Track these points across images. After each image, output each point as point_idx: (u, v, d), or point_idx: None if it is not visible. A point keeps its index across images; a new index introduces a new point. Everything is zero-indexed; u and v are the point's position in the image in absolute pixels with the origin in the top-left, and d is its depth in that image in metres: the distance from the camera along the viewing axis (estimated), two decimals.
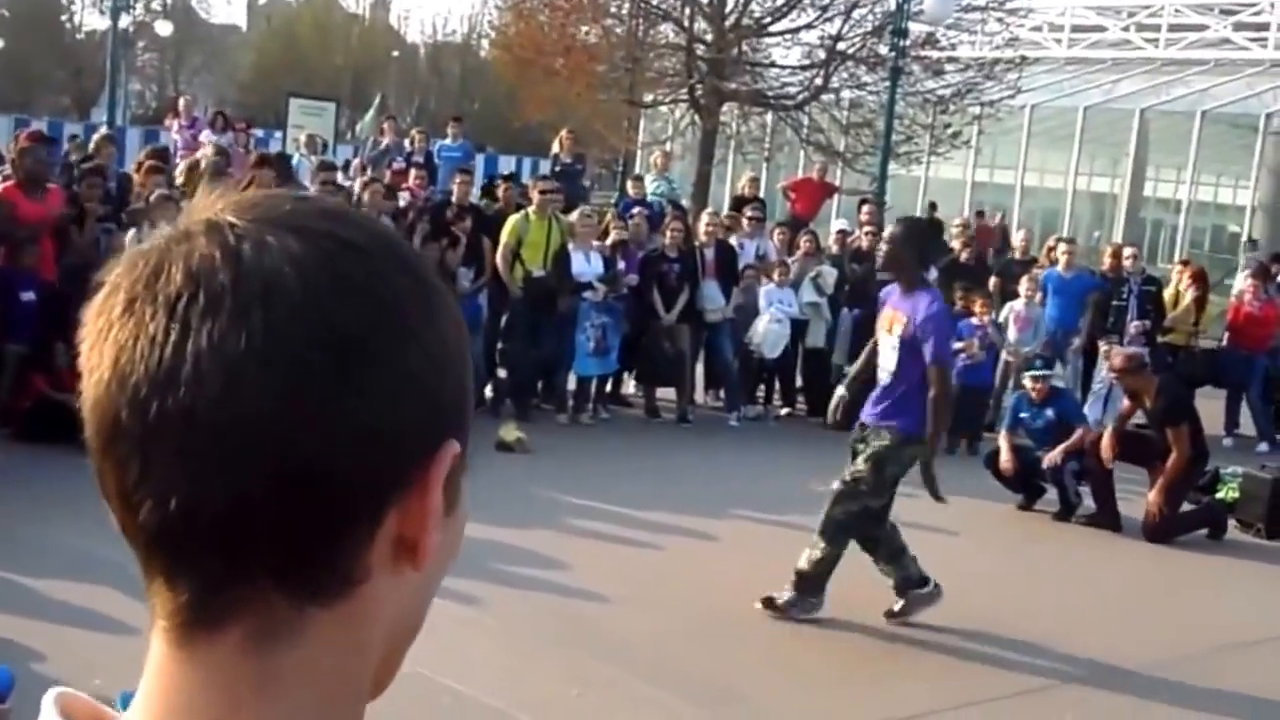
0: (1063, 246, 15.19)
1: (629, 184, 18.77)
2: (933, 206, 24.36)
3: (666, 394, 13.69)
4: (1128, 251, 15.44)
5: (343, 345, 0.77)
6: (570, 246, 12.79)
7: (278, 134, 24.94)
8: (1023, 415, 11.34)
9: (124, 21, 30.12)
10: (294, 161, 16.34)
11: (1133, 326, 14.44)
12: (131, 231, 10.17)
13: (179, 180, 12.54)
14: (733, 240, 14.30)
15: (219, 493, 0.76)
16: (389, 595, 0.83)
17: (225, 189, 0.84)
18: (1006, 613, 8.26)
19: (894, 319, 7.82)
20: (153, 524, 0.78)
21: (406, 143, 18.89)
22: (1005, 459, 11.06)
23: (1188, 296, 15.33)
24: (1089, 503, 10.81)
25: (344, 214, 0.83)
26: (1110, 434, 10.73)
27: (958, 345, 12.01)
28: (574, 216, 13.25)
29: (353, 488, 0.78)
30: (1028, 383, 11.52)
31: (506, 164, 25.20)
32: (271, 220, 0.80)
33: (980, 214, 22.89)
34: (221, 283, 0.76)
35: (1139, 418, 11.09)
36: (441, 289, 0.85)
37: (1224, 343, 15.42)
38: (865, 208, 16.71)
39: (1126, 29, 35.04)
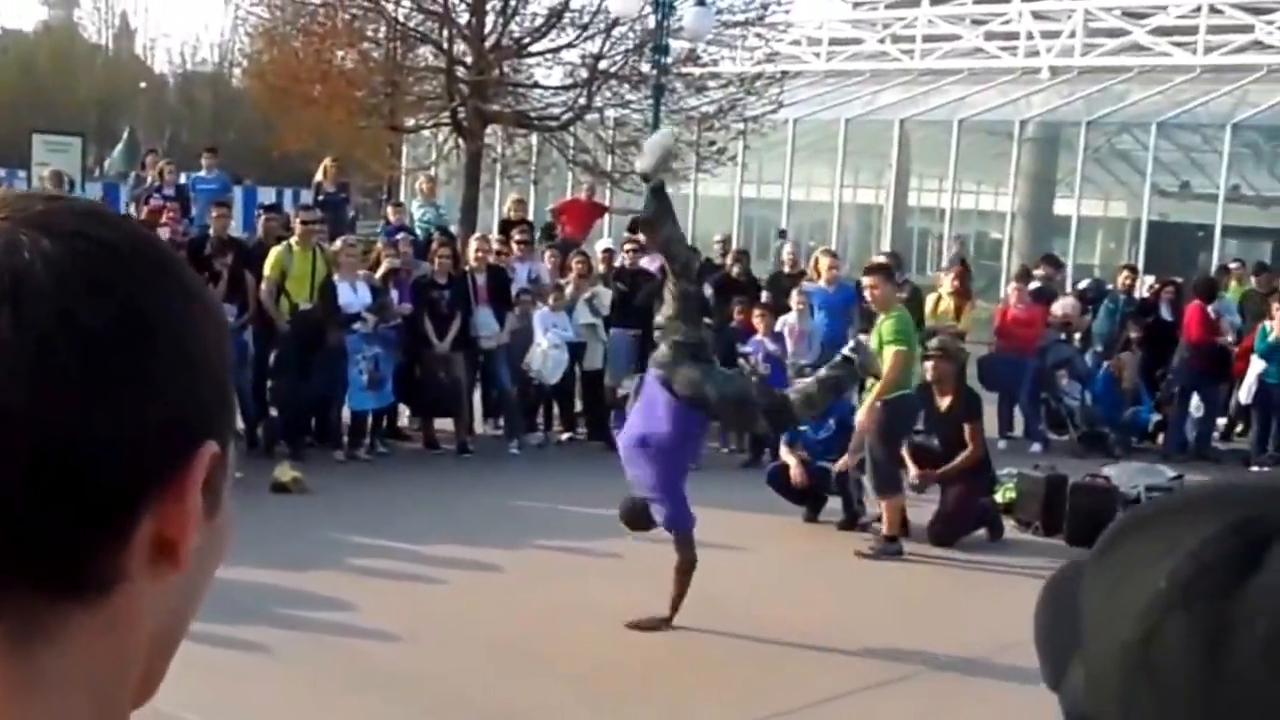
0: (825, 261, 15.56)
1: (389, 210, 18.68)
2: (782, 234, 25.06)
3: (445, 425, 13.66)
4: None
5: (92, 342, 0.77)
6: (335, 277, 12.67)
7: (21, 173, 24.10)
8: (803, 428, 11.55)
9: None
10: None
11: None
12: None
13: None
14: (504, 265, 14.34)
15: None
16: (150, 599, 0.83)
17: None
18: (802, 620, 8.45)
19: None
20: None
21: (151, 176, 18.41)
22: (796, 473, 11.27)
23: (947, 301, 15.87)
24: (872, 509, 11.10)
25: (97, 213, 0.84)
26: (909, 451, 11.11)
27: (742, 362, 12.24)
28: (337, 245, 13.14)
29: (105, 486, 0.78)
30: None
31: (266, 195, 24.76)
32: (23, 220, 0.80)
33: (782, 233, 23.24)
34: None
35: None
36: (198, 289, 0.86)
37: (992, 347, 16.01)
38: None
39: (883, 41, 36.15)
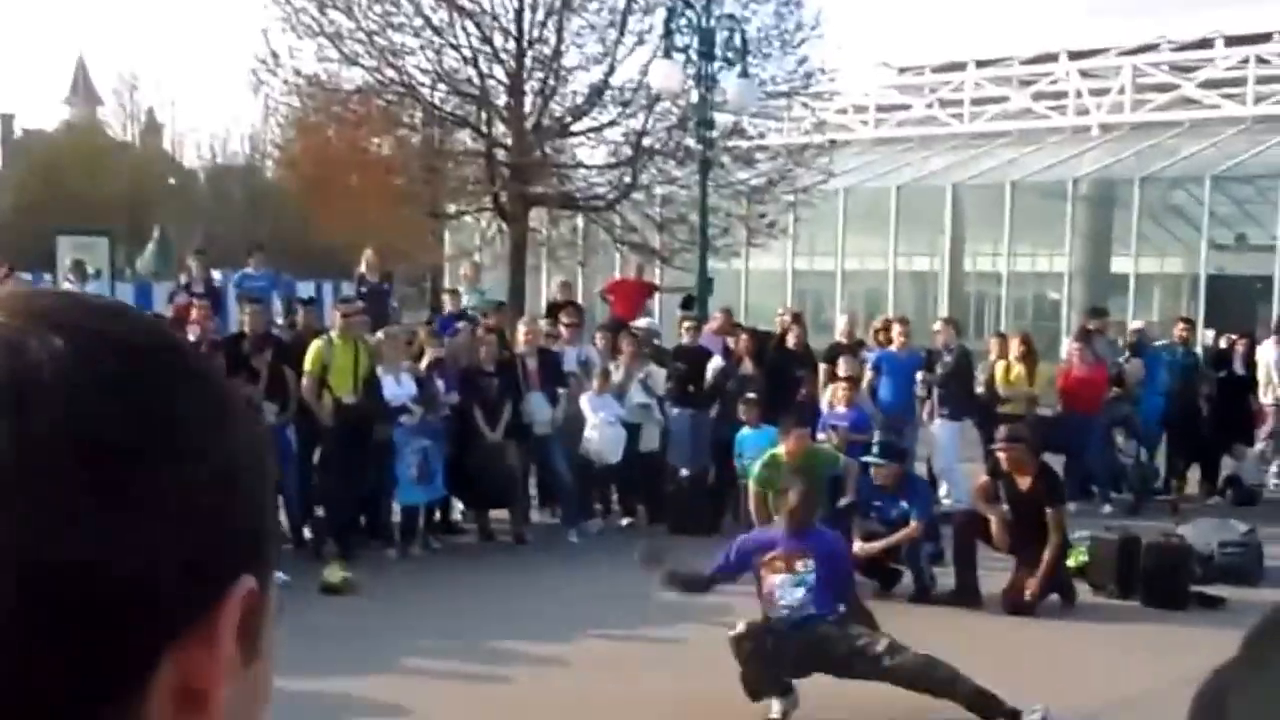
0: (897, 328, 15.57)
1: (445, 297, 18.62)
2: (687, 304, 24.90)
3: (500, 515, 13.47)
4: (936, 325, 16.06)
5: (107, 459, 0.68)
6: (379, 370, 12.55)
7: (47, 276, 24.20)
8: (876, 504, 11.40)
9: None
10: None
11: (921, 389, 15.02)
12: None
13: None
14: (554, 348, 14.22)
15: None
16: None
17: None
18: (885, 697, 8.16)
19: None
20: None
21: (183, 276, 18.26)
22: (859, 549, 11.06)
23: (1018, 367, 15.68)
24: (943, 583, 11.02)
25: (119, 310, 0.76)
26: (999, 523, 10.94)
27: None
28: (379, 336, 13.03)
29: (117, 632, 0.69)
30: (873, 472, 11.56)
31: (305, 289, 24.78)
32: (33, 315, 0.72)
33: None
34: None
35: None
36: (234, 398, 0.77)
37: (1058, 408, 15.78)
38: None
39: (930, 105, 36.15)
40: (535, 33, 22.17)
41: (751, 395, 13.50)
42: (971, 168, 31.49)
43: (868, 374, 15.06)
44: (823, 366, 15.17)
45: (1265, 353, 16.87)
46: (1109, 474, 15.51)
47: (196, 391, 0.75)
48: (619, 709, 8.15)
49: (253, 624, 0.76)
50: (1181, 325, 17.33)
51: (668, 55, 19.05)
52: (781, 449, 11.76)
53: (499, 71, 22.34)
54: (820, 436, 12.98)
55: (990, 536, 10.99)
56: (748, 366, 14.51)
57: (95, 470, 0.68)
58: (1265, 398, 16.48)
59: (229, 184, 53.38)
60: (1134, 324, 18.36)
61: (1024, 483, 11.03)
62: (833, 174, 25.36)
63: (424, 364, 13.17)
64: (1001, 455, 11.16)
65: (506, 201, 22.43)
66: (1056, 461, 14.30)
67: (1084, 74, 33.95)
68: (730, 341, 15.22)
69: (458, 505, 13.88)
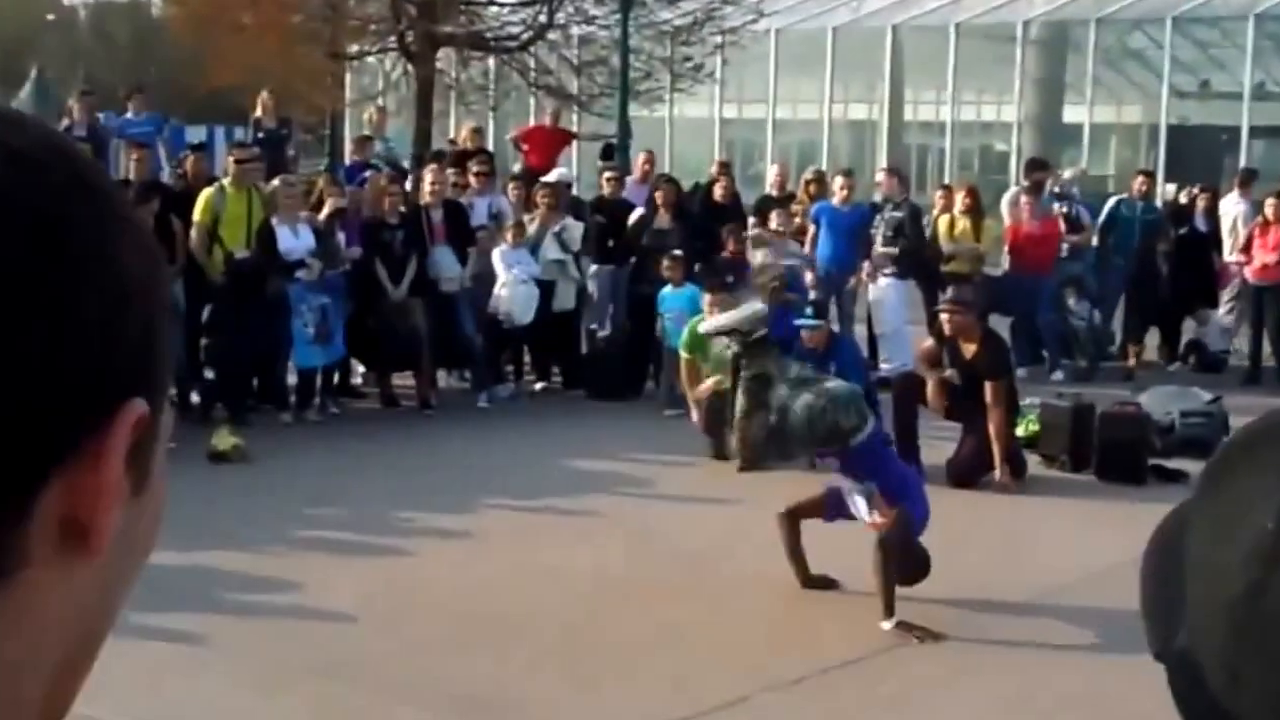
0: (839, 180, 15.50)
1: (350, 145, 18.41)
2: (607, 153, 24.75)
3: (404, 379, 13.45)
4: (879, 177, 15.91)
5: None
6: (274, 221, 12.40)
7: None
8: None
9: None
10: None
11: (875, 255, 14.79)
12: None
13: None
14: (462, 200, 14.09)
15: None
16: (59, 590, 0.74)
17: None
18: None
19: None
20: None
21: (64, 120, 17.95)
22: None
23: (963, 222, 15.60)
24: None
25: (17, 120, 0.75)
26: (935, 386, 10.94)
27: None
28: (275, 185, 12.86)
29: None
30: (803, 335, 11.54)
31: (195, 134, 24.37)
32: None
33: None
34: None
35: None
36: (129, 213, 0.77)
37: (1005, 269, 15.80)
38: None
39: None
40: None
41: (677, 252, 13.42)
42: (913, 7, 31.20)
43: (810, 228, 15.01)
44: (751, 221, 15.12)
45: (1229, 207, 16.72)
46: (1060, 338, 15.48)
47: (91, 204, 0.74)
48: (525, 584, 8.19)
49: (143, 450, 0.75)
50: (1141, 179, 17.01)
51: None
52: (705, 312, 11.65)
53: None
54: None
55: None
56: (666, 220, 14.38)
57: None
58: (1229, 255, 16.22)
59: (112, 22, 52.55)
60: (1065, 173, 18.10)
61: (969, 350, 10.90)
62: (763, 13, 25.08)
63: (323, 215, 13.02)
64: (945, 319, 11.04)
65: (412, 41, 22.05)
66: (1003, 325, 14.41)
67: None
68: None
69: (358, 368, 13.86)
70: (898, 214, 15.09)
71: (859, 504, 7.89)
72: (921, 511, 7.85)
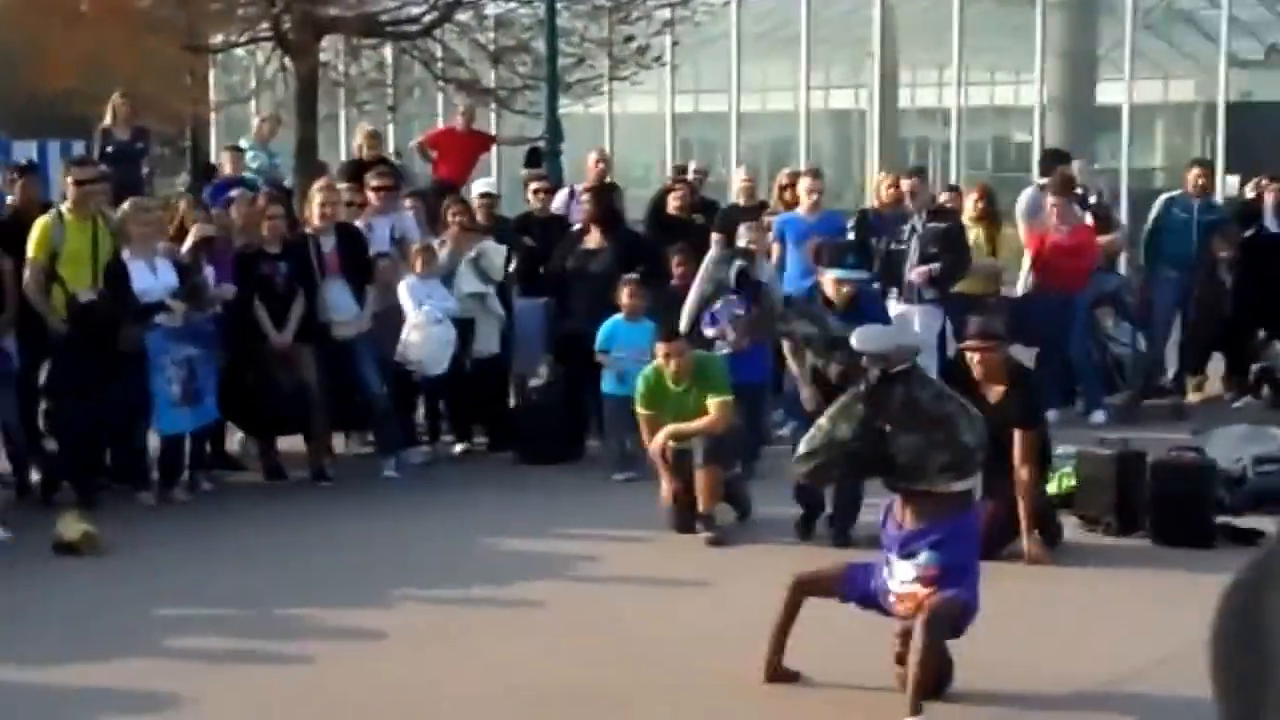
0: (806, 182, 15.48)
1: (224, 157, 18.49)
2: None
3: (292, 445, 13.48)
4: (906, 183, 15.41)
5: None
6: (126, 255, 12.43)
7: None
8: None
9: None
10: None
11: (914, 275, 14.42)
12: None
13: None
14: (358, 222, 14.12)
15: None
16: None
17: None
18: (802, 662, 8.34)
19: None
20: None
21: None
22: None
23: (975, 230, 15.52)
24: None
25: None
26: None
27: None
28: (125, 210, 12.87)
29: None
30: (829, 287, 11.70)
31: (23, 151, 24.35)
32: None
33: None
34: None
35: None
36: None
37: (1028, 287, 15.74)
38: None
39: None
40: None
41: (633, 275, 13.39)
42: None
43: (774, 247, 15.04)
44: (716, 238, 15.16)
45: None
46: (1098, 371, 15.50)
47: None
48: (452, 693, 8.20)
49: None
50: (1197, 171, 16.73)
51: None
52: (660, 362, 11.67)
53: None
54: (709, 332, 12.86)
55: None
56: (596, 238, 14.33)
57: None
58: None
59: None
60: (1075, 165, 17.47)
61: (994, 392, 10.58)
62: None
63: (187, 246, 13.06)
64: (975, 361, 10.71)
65: (289, 28, 22.09)
66: (1028, 356, 14.38)
67: None
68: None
69: (235, 433, 13.88)
70: (938, 224, 14.77)
71: (898, 570, 7.83)
72: (975, 605, 7.84)
